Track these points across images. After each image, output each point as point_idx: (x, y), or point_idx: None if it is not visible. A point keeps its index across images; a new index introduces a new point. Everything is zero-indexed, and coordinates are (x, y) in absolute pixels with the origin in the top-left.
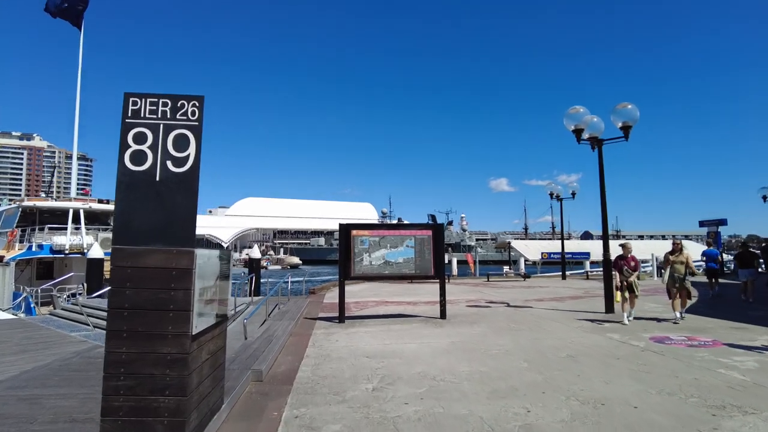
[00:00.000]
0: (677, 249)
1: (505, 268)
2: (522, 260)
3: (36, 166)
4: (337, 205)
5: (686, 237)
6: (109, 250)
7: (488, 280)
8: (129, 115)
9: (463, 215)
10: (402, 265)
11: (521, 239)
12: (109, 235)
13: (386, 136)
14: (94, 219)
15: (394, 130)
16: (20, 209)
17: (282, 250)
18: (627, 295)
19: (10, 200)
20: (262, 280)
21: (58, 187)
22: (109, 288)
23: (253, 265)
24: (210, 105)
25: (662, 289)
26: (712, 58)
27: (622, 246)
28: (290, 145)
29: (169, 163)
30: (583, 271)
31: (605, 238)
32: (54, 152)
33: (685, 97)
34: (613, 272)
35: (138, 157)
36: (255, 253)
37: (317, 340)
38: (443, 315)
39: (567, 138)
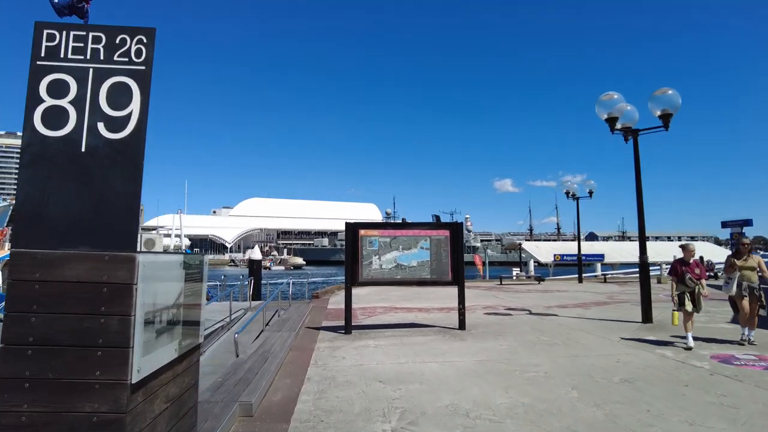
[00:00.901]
0: (745, 251)
1: (515, 271)
2: (531, 262)
3: None
4: (340, 205)
5: (692, 238)
6: None
7: (501, 284)
8: (42, 55)
9: (467, 216)
10: (416, 269)
11: (527, 240)
12: (149, 235)
13: (390, 135)
14: None
15: (398, 129)
16: (11, 207)
17: (285, 250)
18: (689, 308)
19: (3, 199)
20: (263, 282)
21: None
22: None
23: (253, 266)
24: (211, 104)
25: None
26: (712, 55)
27: (683, 248)
28: (293, 145)
29: (101, 126)
30: (598, 273)
31: (642, 238)
32: None
33: (692, 95)
34: (671, 280)
35: (54, 117)
36: (255, 254)
37: (321, 356)
38: (462, 325)
39: (572, 138)
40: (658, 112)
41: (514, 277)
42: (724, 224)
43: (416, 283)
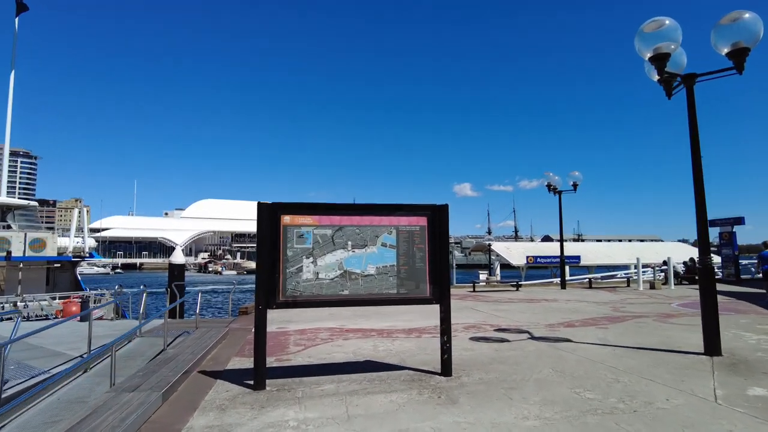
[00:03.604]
0: None
1: (483, 275)
2: (498, 265)
3: None
4: None
5: (641, 240)
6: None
7: (474, 290)
8: None
9: None
10: (374, 279)
11: (489, 242)
12: (39, 234)
13: (348, 139)
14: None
15: (357, 133)
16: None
17: (239, 254)
18: None
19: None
20: (201, 289)
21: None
22: None
23: (174, 273)
24: (162, 106)
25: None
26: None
27: None
28: (251, 146)
29: None
30: (584, 277)
31: (703, 228)
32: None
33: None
34: None
35: None
36: (177, 257)
37: None
38: (447, 369)
39: (529, 145)
40: (726, 49)
41: (485, 282)
42: (713, 222)
43: (374, 301)
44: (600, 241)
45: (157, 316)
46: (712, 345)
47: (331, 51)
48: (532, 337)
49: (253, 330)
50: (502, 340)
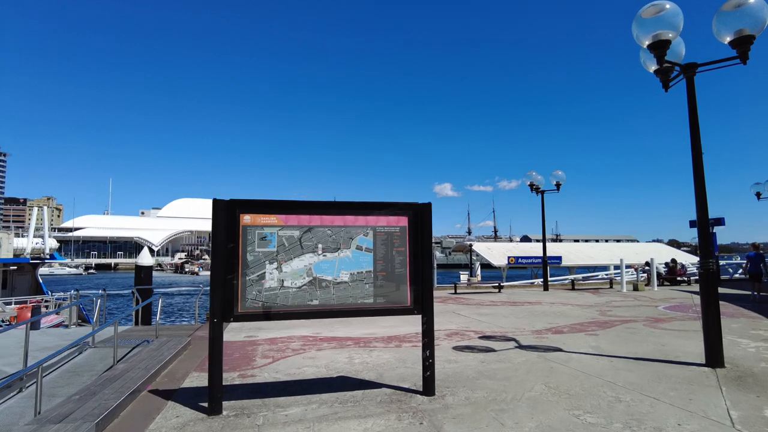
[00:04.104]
0: None
1: (464, 275)
2: (478, 265)
3: None
4: None
5: (617, 241)
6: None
7: (456, 293)
8: None
9: None
10: (348, 287)
11: (470, 242)
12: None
13: (333, 139)
14: None
15: (342, 133)
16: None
17: None
18: None
19: None
20: (166, 291)
21: None
22: None
23: (140, 275)
24: (139, 102)
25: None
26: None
27: None
28: (230, 144)
29: None
30: (566, 278)
31: (704, 231)
32: None
33: (611, 104)
34: None
35: None
36: (144, 259)
37: None
38: (429, 388)
39: (509, 147)
40: (729, 37)
41: (466, 283)
42: (693, 223)
43: (348, 312)
44: (578, 241)
45: (109, 324)
46: (714, 356)
47: (305, 61)
48: (520, 346)
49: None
50: (488, 350)
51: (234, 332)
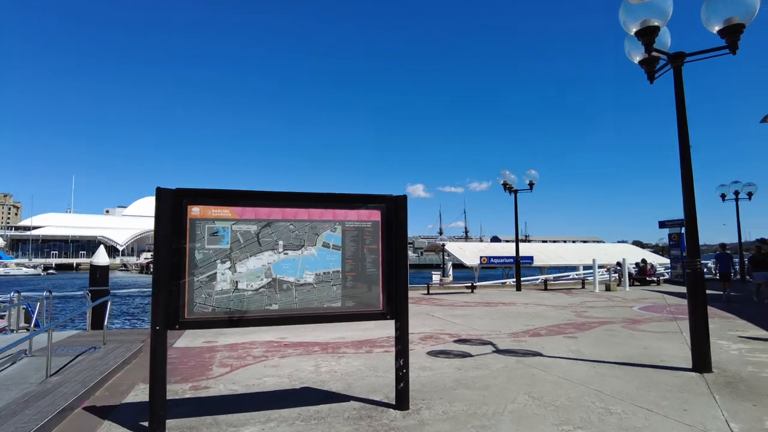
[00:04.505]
0: None
1: (436, 275)
2: (450, 265)
3: None
4: None
5: (584, 242)
6: None
7: (429, 293)
8: None
9: None
10: (312, 290)
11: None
12: None
13: (302, 137)
14: None
15: (311, 131)
16: None
17: None
18: None
19: None
20: (125, 292)
21: None
22: None
23: (96, 275)
24: (101, 99)
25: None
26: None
27: None
28: (195, 141)
29: None
30: (538, 279)
31: (691, 229)
32: None
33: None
34: None
35: None
36: (99, 258)
37: None
38: (403, 401)
39: (480, 148)
40: (718, 26)
41: (439, 283)
42: (662, 224)
43: (312, 318)
44: (546, 242)
45: (45, 330)
46: (701, 361)
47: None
48: (498, 351)
49: (174, 344)
50: (465, 355)
51: (191, 337)
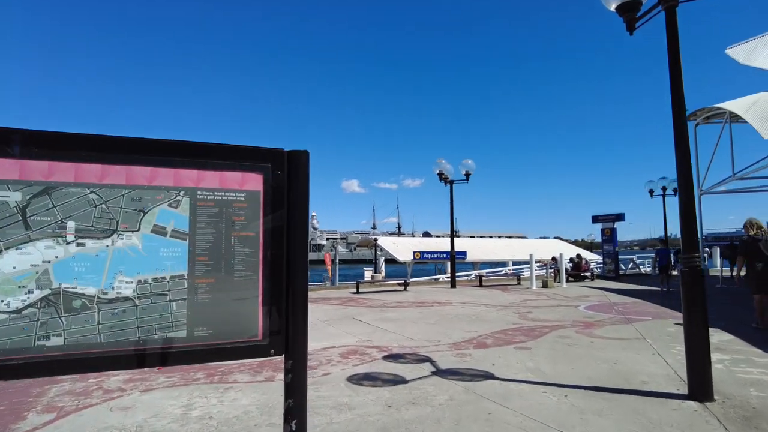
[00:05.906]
0: None
1: (368, 272)
2: (383, 261)
3: None
4: None
5: (510, 237)
6: None
7: (358, 292)
8: None
9: (314, 213)
10: (132, 311)
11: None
12: None
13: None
14: None
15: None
16: None
17: None
18: None
19: None
20: None
21: None
22: None
23: None
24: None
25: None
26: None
27: None
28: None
29: None
30: (472, 274)
31: (688, 222)
32: None
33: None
34: None
35: None
36: None
37: None
38: None
39: (414, 146)
40: None
41: (370, 280)
42: (595, 219)
43: (130, 359)
44: (474, 237)
45: None
46: (701, 386)
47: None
48: (439, 371)
49: None
50: (397, 381)
51: None
